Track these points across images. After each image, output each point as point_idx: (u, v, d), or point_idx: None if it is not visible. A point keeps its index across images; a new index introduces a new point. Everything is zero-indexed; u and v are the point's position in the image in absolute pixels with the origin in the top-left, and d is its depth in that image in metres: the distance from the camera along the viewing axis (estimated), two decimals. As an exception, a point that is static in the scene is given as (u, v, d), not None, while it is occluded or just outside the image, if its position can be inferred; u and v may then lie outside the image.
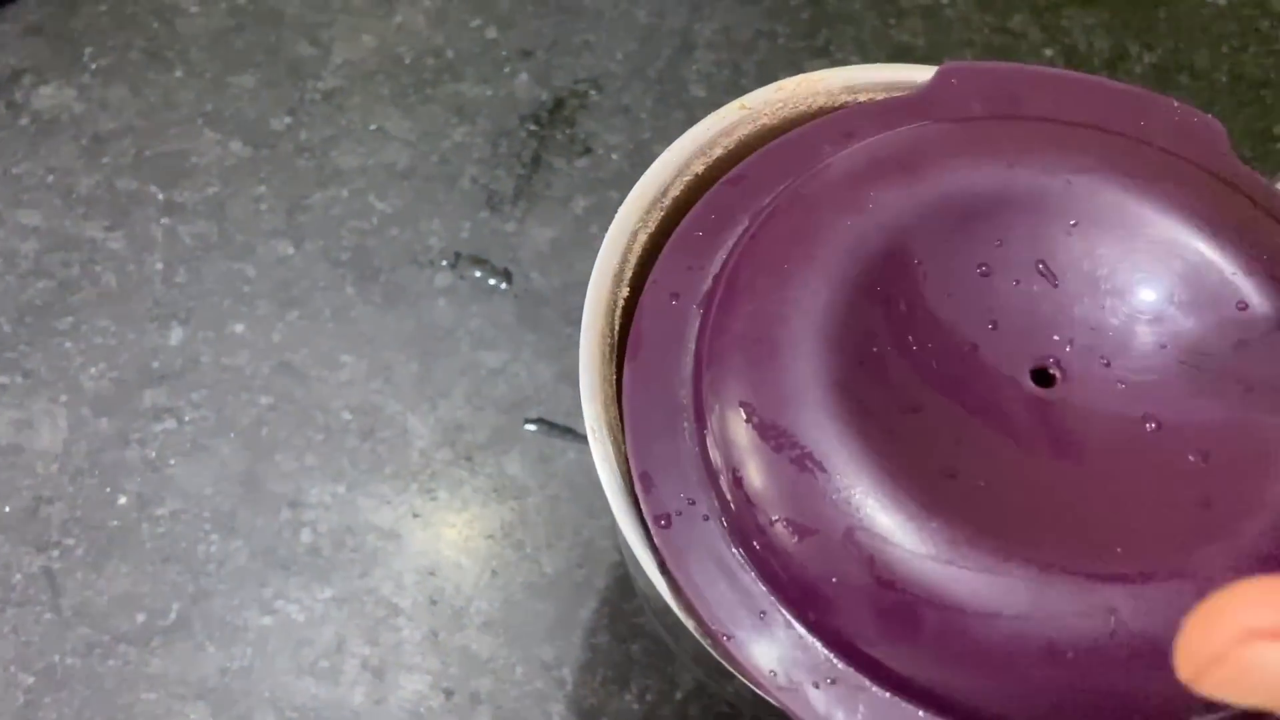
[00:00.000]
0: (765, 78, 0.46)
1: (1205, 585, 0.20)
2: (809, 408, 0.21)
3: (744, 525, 0.22)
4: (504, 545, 0.37)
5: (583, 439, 0.40)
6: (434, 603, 0.36)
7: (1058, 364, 0.23)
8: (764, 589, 0.21)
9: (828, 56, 0.47)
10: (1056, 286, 0.24)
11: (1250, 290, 0.23)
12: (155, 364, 0.39)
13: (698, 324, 0.24)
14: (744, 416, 0.22)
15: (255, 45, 0.44)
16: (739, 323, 0.24)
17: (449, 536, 0.37)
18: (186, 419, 0.38)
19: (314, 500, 0.38)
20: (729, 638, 0.21)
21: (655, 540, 0.22)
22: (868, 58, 0.48)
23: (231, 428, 0.38)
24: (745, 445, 0.22)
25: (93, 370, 0.39)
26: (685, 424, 0.23)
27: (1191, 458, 0.22)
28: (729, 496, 0.22)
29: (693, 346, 0.24)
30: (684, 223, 0.26)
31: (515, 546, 0.37)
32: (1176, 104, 0.27)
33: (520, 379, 0.40)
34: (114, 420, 0.38)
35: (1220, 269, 0.23)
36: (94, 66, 0.43)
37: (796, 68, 0.47)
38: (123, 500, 0.37)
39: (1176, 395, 0.22)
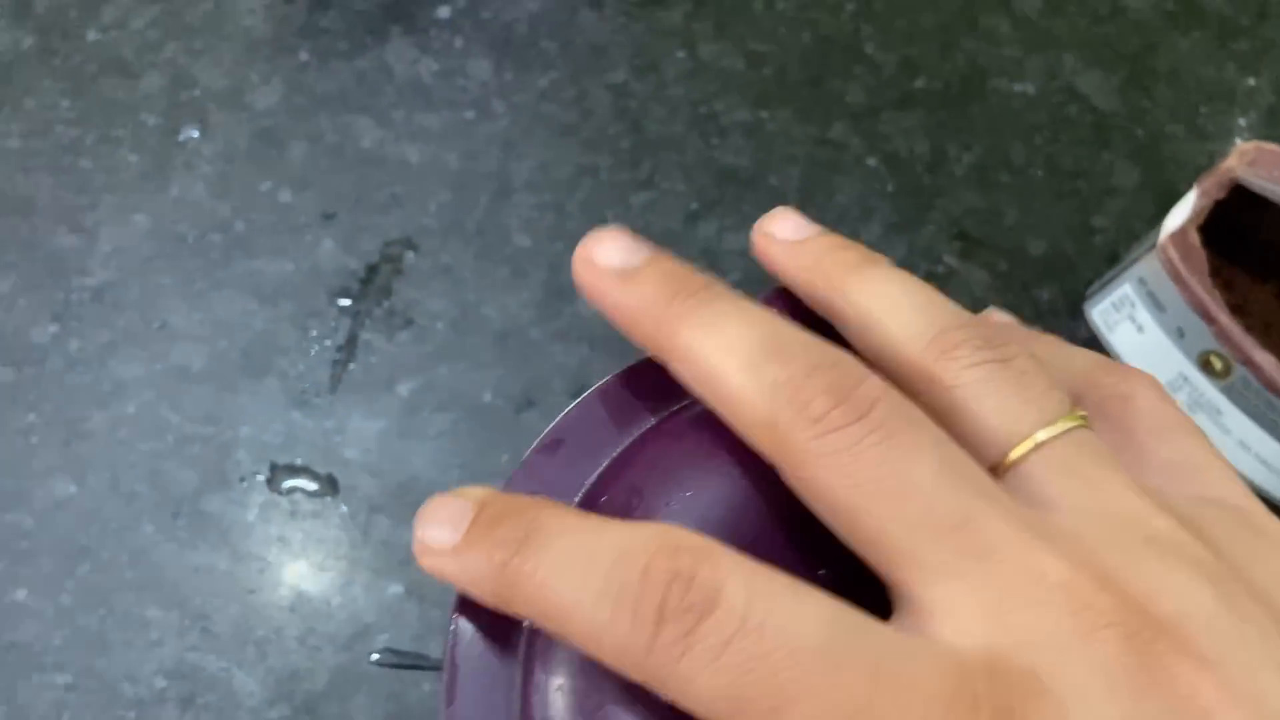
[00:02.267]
0: (591, 218, 0.43)
1: None
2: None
3: None
4: (362, 803, 0.33)
5: (436, 666, 0.36)
6: None
7: None
8: None
9: (653, 188, 0.45)
10: None
11: None
12: (-84, 655, 0.32)
13: (523, 651, 0.21)
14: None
15: (6, 241, 0.38)
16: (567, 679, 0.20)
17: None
18: (-36, 714, 0.32)
19: (133, 789, 0.32)
20: None
21: None
22: (692, 184, 0.45)
23: None
24: None
25: None
26: None
27: None
28: None
29: (519, 677, 0.21)
30: None
31: (375, 804, 0.33)
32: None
33: (358, 604, 0.36)
34: None
35: None
36: None
37: (624, 203, 0.44)
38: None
39: None
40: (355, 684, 0.34)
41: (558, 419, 0.23)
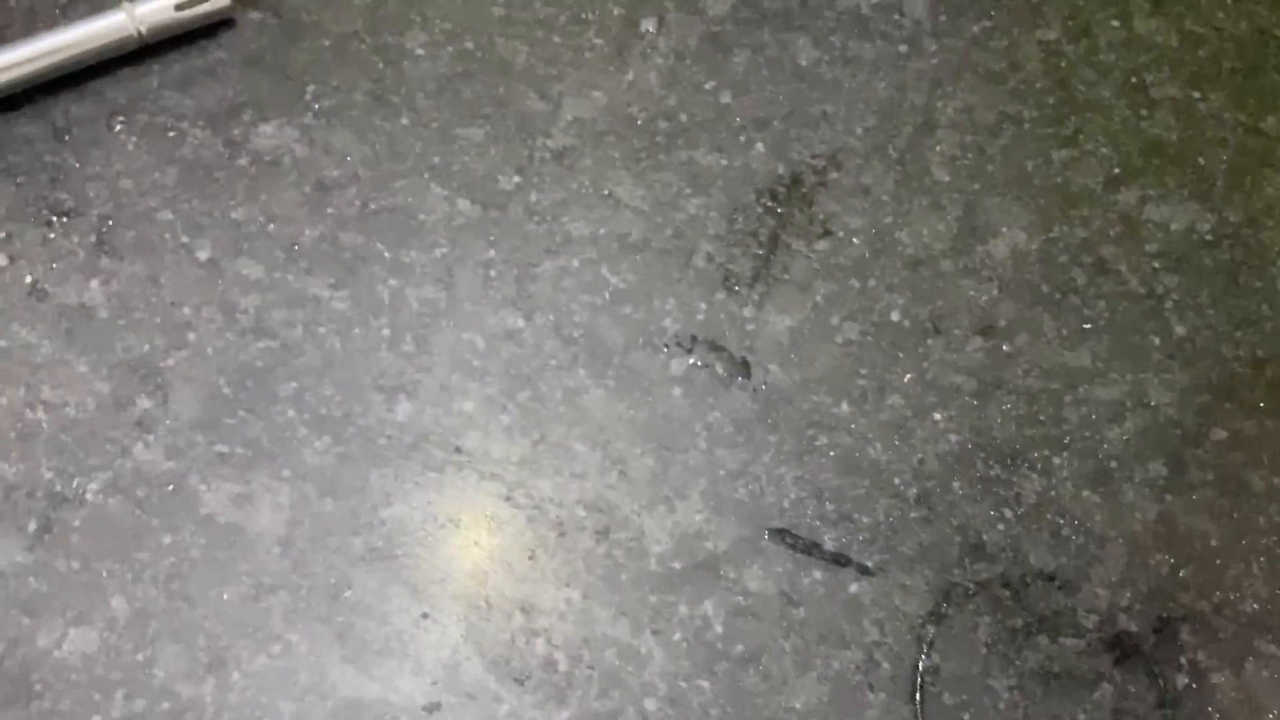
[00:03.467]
0: (1011, 164, 0.43)
1: None
2: None
3: None
4: (750, 673, 0.34)
5: (829, 558, 0.36)
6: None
7: None
8: None
9: (1075, 146, 0.44)
10: None
11: None
12: (381, 441, 0.35)
13: None
14: None
15: (483, 96, 0.40)
16: None
17: (690, 658, 0.33)
18: (414, 504, 0.35)
19: (548, 607, 0.34)
20: None
21: None
22: (1117, 149, 0.44)
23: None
24: None
25: (317, 444, 0.35)
26: None
27: None
28: None
29: None
30: None
31: (762, 675, 0.34)
32: None
33: (761, 483, 0.36)
34: (340, 502, 0.34)
35: None
36: (317, 107, 0.39)
37: (1044, 156, 0.43)
38: (348, 594, 0.34)
39: None
40: (752, 555, 0.34)
41: None
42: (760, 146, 0.41)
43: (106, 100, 0.37)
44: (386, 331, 0.36)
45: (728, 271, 0.39)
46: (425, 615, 0.33)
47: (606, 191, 0.39)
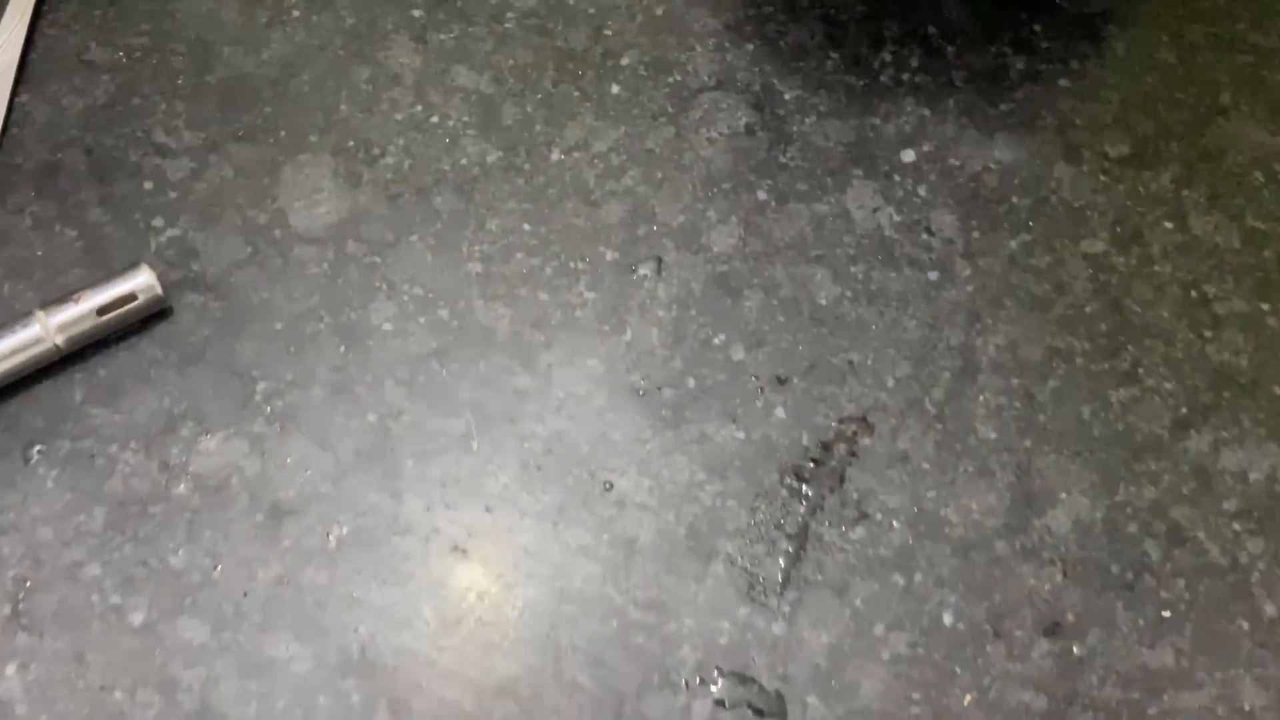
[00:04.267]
0: (1065, 411, 0.38)
1: None
2: None
3: None
4: None
5: None
6: None
7: None
8: None
9: (1136, 383, 0.38)
10: None
11: None
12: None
13: None
14: None
15: (460, 376, 0.35)
16: None
17: None
18: None
19: None
20: None
21: None
22: (1182, 383, 0.38)
23: None
24: None
25: None
26: None
27: None
28: None
29: None
30: None
31: None
32: None
33: None
34: None
35: None
36: (269, 409, 0.34)
37: (1101, 398, 0.38)
38: None
39: None
40: None
41: None
42: (780, 412, 0.36)
43: (21, 426, 0.31)
44: (357, 699, 0.30)
45: (752, 578, 0.33)
46: None
47: (607, 484, 0.34)
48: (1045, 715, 0.32)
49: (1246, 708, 0.33)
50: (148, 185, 0.36)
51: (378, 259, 0.36)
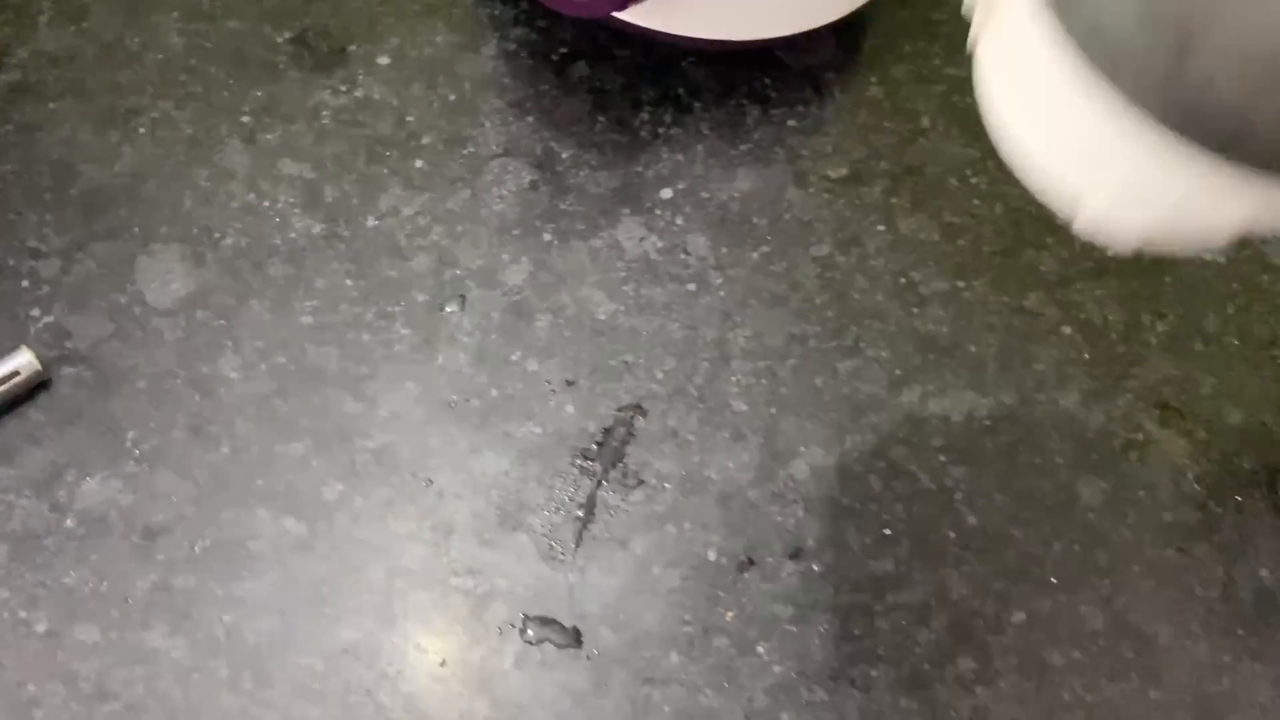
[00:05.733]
0: (802, 383, 0.46)
1: None
2: None
3: None
4: None
5: (675, 817, 0.38)
6: None
7: None
8: None
9: (858, 355, 0.47)
10: None
11: None
12: (231, 783, 0.37)
13: None
14: None
15: (300, 410, 0.43)
16: None
17: None
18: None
19: None
20: None
21: None
22: (895, 351, 0.47)
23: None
24: None
25: (167, 800, 0.36)
26: None
27: None
28: None
29: None
30: None
31: None
32: None
33: (604, 752, 0.38)
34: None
35: None
36: (138, 452, 0.41)
37: (830, 370, 0.47)
38: None
39: None
40: (602, 830, 0.36)
41: None
42: (570, 408, 0.44)
43: (-71, 486, 0.38)
44: (225, 672, 0.37)
45: (551, 542, 0.41)
46: None
47: (428, 480, 0.42)
48: (792, 620, 0.40)
49: (954, 598, 0.41)
50: (25, 283, 0.44)
51: (224, 321, 0.43)
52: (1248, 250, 0.50)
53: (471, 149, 0.49)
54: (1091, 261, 0.49)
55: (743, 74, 0.53)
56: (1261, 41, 0.20)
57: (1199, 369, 0.47)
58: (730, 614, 0.40)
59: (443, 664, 0.38)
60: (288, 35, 0.51)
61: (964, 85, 0.54)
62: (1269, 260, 0.50)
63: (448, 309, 0.45)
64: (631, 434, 0.44)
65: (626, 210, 0.49)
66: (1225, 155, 0.22)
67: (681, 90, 0.52)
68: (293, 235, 0.46)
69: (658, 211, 0.49)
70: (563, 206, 0.48)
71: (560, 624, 0.40)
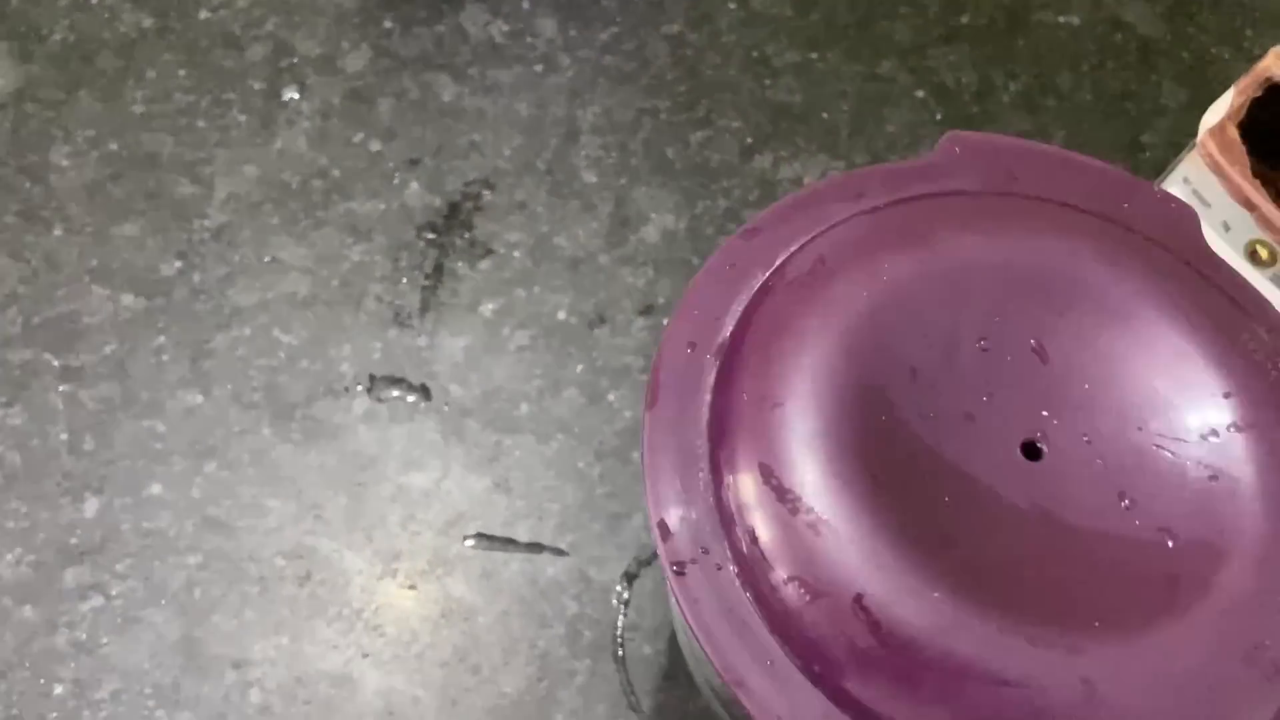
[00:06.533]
0: (652, 154, 0.46)
1: (1166, 661, 0.21)
2: (823, 474, 0.22)
3: (756, 579, 0.22)
4: (460, 671, 0.36)
5: (524, 548, 0.38)
6: (397, 742, 0.34)
7: (1045, 438, 0.24)
8: (773, 639, 0.22)
9: (710, 125, 0.47)
10: (1046, 365, 0.25)
11: (1220, 385, 0.24)
12: (73, 540, 0.37)
13: (714, 375, 0.25)
14: (759, 478, 0.22)
15: (135, 193, 0.42)
16: (754, 381, 0.24)
17: (402, 671, 0.36)
18: (114, 593, 0.36)
19: (258, 656, 0.36)
20: (739, 684, 0.22)
21: (672, 586, 0.22)
22: (749, 121, 0.47)
23: (162, 594, 0.36)
24: (760, 505, 0.22)
25: (8, 556, 0.36)
26: (701, 474, 0.23)
27: (1159, 536, 0.23)
28: (744, 550, 0.23)
29: (709, 398, 0.24)
30: (700, 273, 0.26)
31: (472, 670, 0.36)
32: (1156, 189, 0.28)
33: (453, 496, 0.39)
34: (38, 607, 0.36)
35: (1197, 361, 0.24)
36: (-33, 237, 0.40)
37: (682, 141, 0.47)
38: (59, 690, 0.35)
39: (1149, 476, 0.23)
40: (452, 563, 0.37)
41: (754, 217, 0.27)
42: (415, 185, 0.44)
43: None
44: (65, 436, 0.37)
45: (398, 308, 0.41)
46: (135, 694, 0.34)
47: (269, 258, 0.41)
48: (643, 370, 0.41)
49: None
50: None
51: (53, 113, 0.43)
52: (1101, 12, 0.51)
53: (311, -56, 0.48)
54: (945, 28, 0.49)
55: None
56: None
57: (1053, 123, 0.48)
58: (580, 367, 0.41)
59: (289, 420, 0.38)
60: None
61: None
62: (1122, 20, 0.50)
63: (285, 95, 0.45)
64: (478, 207, 0.44)
65: (472, -3, 0.48)
66: None
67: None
68: (122, 29, 0.45)
69: (505, -2, 0.48)
70: (406, -4, 0.48)
71: (409, 382, 0.40)
